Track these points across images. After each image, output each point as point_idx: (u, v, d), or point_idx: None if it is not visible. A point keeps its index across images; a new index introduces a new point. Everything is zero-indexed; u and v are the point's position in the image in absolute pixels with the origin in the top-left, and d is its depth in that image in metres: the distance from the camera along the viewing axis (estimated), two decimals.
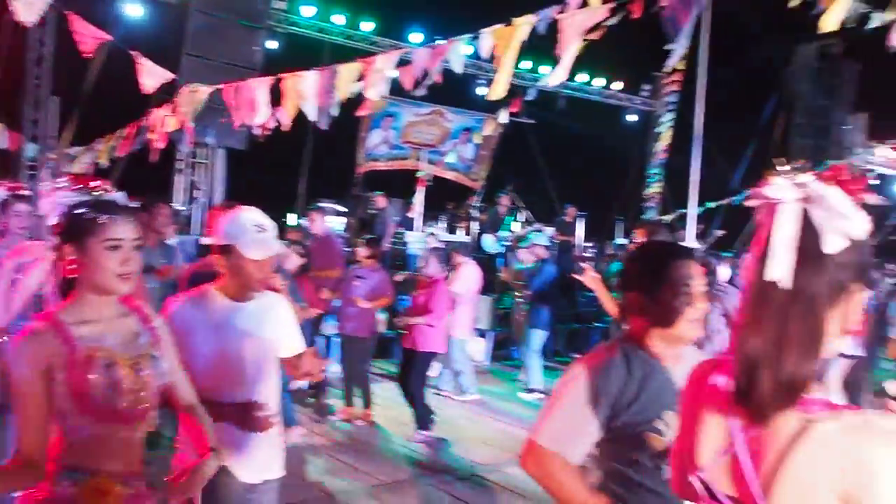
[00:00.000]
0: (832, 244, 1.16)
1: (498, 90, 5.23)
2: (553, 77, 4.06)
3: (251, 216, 2.60)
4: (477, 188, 15.26)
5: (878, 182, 19.78)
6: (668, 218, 13.41)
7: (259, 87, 6.69)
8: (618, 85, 16.99)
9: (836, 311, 1.21)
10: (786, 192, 1.20)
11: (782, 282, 1.17)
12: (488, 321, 10.19)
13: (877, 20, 5.54)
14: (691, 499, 1.34)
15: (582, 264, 5.28)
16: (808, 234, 1.17)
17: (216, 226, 2.68)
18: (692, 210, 6.55)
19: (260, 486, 2.68)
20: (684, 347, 2.06)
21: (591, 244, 14.20)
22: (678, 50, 5.38)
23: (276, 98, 6.59)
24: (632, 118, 17.62)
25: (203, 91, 7.21)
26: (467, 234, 13.18)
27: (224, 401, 2.51)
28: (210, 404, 2.33)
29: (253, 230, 2.56)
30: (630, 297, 2.05)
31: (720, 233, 13.55)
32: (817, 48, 19.42)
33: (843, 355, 5.90)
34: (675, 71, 7.60)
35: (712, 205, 13.24)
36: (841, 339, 1.25)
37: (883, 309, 6.59)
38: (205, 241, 6.71)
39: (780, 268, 1.17)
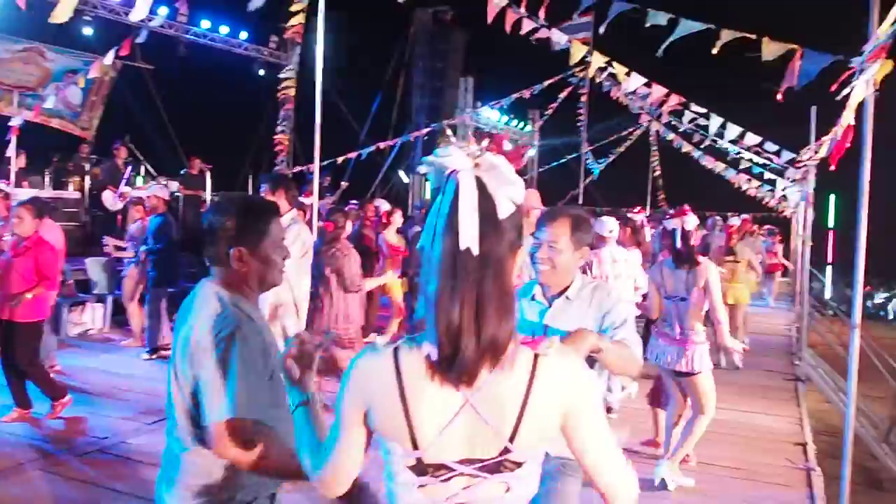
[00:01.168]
0: (505, 209, 1.25)
1: (61, 13, 4.63)
2: (134, 13, 3.72)
3: None
4: (88, 137, 13.77)
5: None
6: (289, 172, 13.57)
7: None
8: (244, 34, 16.55)
9: (512, 265, 1.31)
10: (462, 161, 1.24)
11: (473, 249, 1.22)
12: (106, 284, 9.34)
13: None
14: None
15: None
16: (486, 201, 1.24)
17: None
18: (317, 164, 6.64)
19: None
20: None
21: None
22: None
23: None
24: (261, 69, 17.36)
25: None
26: (79, 189, 11.85)
27: None
28: None
29: None
30: (235, 252, 2.04)
31: (345, 184, 14.13)
32: (432, 14, 21.12)
33: None
34: (295, 24, 7.58)
35: (340, 160, 13.71)
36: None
37: None
38: None
39: (468, 235, 1.21)
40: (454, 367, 1.24)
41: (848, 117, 3.55)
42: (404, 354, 1.31)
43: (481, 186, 1.24)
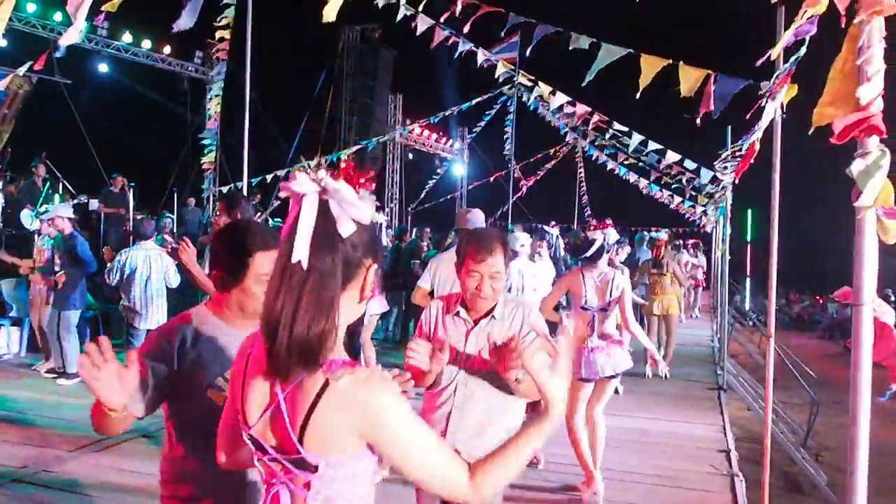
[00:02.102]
0: (345, 228, 1.38)
1: None
2: (65, 38, 3.59)
3: None
4: None
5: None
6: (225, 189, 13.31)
7: None
8: (168, 49, 16.22)
9: (355, 282, 1.46)
10: (307, 186, 1.37)
11: (302, 261, 1.35)
12: (21, 307, 8.96)
13: (403, 11, 6.20)
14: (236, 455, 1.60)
15: (168, 239, 4.91)
16: (325, 221, 1.37)
17: None
18: (245, 181, 6.56)
19: None
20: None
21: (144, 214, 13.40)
22: (184, 21, 5.33)
23: None
24: (185, 85, 17.03)
25: None
26: None
27: None
28: None
29: None
30: (215, 273, 2.19)
31: (276, 202, 13.94)
32: (360, 31, 21.13)
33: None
34: (222, 39, 7.47)
35: (269, 177, 13.51)
36: (365, 303, 1.52)
37: None
38: None
39: (301, 250, 1.35)
40: (270, 359, 1.39)
41: (756, 135, 3.73)
42: (258, 341, 1.46)
43: (324, 208, 1.38)
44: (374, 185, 1.45)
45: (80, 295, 7.78)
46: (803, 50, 2.80)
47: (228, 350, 2.12)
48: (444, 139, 26.24)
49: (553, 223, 9.92)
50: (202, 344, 2.13)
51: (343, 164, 1.42)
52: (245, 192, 6.56)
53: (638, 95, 4.18)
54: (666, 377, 9.33)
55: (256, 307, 2.06)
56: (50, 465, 5.22)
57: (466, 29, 5.90)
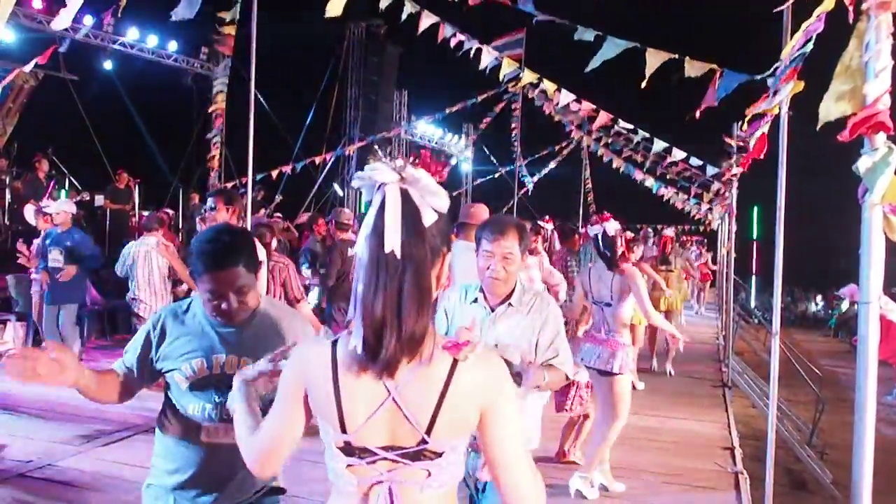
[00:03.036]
0: (428, 217, 1.38)
1: None
2: (57, 21, 3.61)
3: None
4: (0, 144, 13.28)
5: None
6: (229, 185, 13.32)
7: None
8: (174, 45, 16.23)
9: (435, 272, 1.44)
10: (388, 175, 1.37)
11: (396, 252, 1.35)
12: (27, 302, 8.98)
13: (409, 8, 6.19)
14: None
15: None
16: (409, 210, 1.37)
17: None
18: (251, 177, 6.55)
19: None
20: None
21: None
22: (182, 10, 5.32)
23: None
24: (191, 81, 17.05)
25: None
26: None
27: None
28: None
29: None
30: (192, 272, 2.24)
31: (279, 198, 13.98)
32: (365, 28, 21.10)
33: None
34: (227, 35, 7.46)
35: (274, 173, 13.53)
36: (441, 290, 1.57)
37: None
38: None
39: (393, 239, 1.34)
40: (377, 358, 1.37)
41: (763, 129, 3.72)
42: (341, 347, 1.45)
43: (406, 197, 1.38)
44: (446, 175, 1.47)
45: (79, 290, 7.76)
46: (810, 46, 2.79)
47: (198, 339, 2.25)
48: (449, 136, 26.22)
49: (546, 217, 9.93)
50: (177, 330, 2.26)
51: (420, 154, 1.44)
52: (249, 188, 6.55)
53: (643, 85, 4.17)
54: (670, 374, 9.34)
55: (210, 313, 2.20)
56: (56, 459, 5.24)
57: (468, 22, 5.90)
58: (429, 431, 1.40)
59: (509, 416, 1.46)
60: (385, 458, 1.44)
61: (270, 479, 2.30)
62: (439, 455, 1.43)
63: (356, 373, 1.41)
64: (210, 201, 4.77)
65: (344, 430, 1.44)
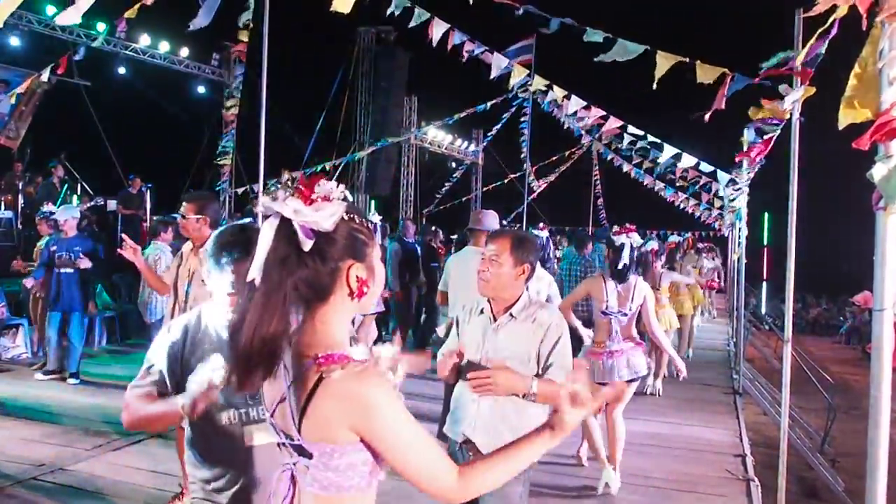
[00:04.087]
0: (305, 243, 1.45)
1: None
2: (63, 17, 3.63)
3: None
4: (13, 147, 13.40)
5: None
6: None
7: None
8: (185, 51, 16.34)
9: (339, 285, 1.51)
10: (269, 207, 1.47)
11: (256, 279, 1.45)
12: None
13: (419, 17, 6.21)
14: None
15: (123, 236, 4.76)
16: (286, 239, 1.45)
17: None
18: (261, 182, 6.58)
19: None
20: None
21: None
22: (200, 20, 5.36)
23: None
24: (202, 87, 17.16)
25: None
26: (10, 208, 11.47)
27: None
28: None
29: None
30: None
31: None
32: (375, 33, 21.16)
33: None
34: (239, 41, 7.52)
35: (284, 178, 13.56)
36: (366, 300, 1.56)
37: None
38: None
39: (254, 270, 1.46)
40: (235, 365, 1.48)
41: (774, 131, 3.71)
42: None
43: (286, 226, 1.45)
44: (324, 188, 1.48)
45: (83, 296, 7.78)
46: (822, 50, 2.78)
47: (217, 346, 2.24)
48: (458, 141, 26.24)
49: (541, 225, 9.99)
50: (205, 337, 2.28)
51: (297, 182, 1.48)
52: (261, 193, 6.57)
53: (654, 86, 4.16)
54: (682, 379, 9.26)
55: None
56: (67, 463, 5.26)
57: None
58: (299, 429, 1.48)
59: (386, 437, 1.48)
60: (285, 445, 1.54)
61: None
62: (311, 456, 1.49)
63: None
64: (182, 207, 4.46)
65: (272, 414, 1.58)
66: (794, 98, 3.09)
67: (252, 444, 2.24)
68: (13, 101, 10.12)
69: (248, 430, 2.24)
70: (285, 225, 1.46)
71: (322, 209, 1.46)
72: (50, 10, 13.57)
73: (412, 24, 6.22)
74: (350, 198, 1.54)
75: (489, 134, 21.51)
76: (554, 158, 21.76)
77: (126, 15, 6.55)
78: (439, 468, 1.50)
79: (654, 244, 5.23)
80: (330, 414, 1.45)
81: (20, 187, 11.87)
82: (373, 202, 21.64)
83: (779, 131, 3.62)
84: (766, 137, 3.69)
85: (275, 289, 1.45)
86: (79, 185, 13.40)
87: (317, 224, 1.46)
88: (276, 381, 1.53)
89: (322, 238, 1.47)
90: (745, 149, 5.11)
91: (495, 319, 2.93)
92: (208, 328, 2.31)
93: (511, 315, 2.90)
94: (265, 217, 1.49)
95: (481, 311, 2.99)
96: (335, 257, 1.51)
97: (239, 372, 1.48)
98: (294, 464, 1.53)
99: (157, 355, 2.31)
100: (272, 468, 2.21)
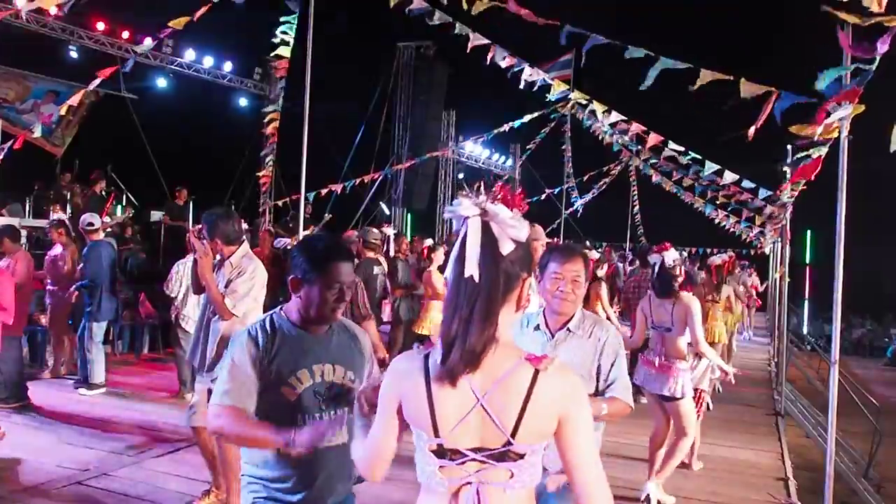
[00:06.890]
0: (506, 247, 1.56)
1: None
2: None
3: None
4: (58, 154, 13.78)
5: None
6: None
7: None
8: (228, 65, 16.67)
9: (513, 294, 1.62)
10: (471, 209, 1.56)
11: (474, 276, 1.54)
12: (77, 315, 9.22)
13: (461, 29, 6.24)
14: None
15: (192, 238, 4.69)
16: (489, 241, 1.56)
17: None
18: (303, 195, 6.68)
19: None
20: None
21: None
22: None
23: None
24: (245, 101, 17.47)
25: None
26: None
27: None
28: None
29: None
30: (291, 279, 2.35)
31: (328, 216, 14.14)
32: (415, 48, 21.34)
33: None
34: (280, 57, 7.64)
35: (323, 191, 13.70)
36: (521, 312, 1.68)
37: None
38: None
39: (472, 266, 1.54)
40: (446, 369, 1.55)
41: (821, 151, 3.65)
42: (432, 359, 1.62)
43: (486, 229, 1.56)
44: (527, 206, 1.62)
45: (100, 306, 7.82)
46: (873, 67, 2.74)
47: (298, 350, 2.34)
48: (496, 155, 26.25)
49: (554, 239, 9.95)
50: (279, 345, 2.32)
51: (500, 189, 1.58)
52: (302, 206, 6.66)
53: (693, 88, 4.13)
54: (718, 391, 9.05)
55: (324, 312, 2.33)
56: (111, 469, 5.36)
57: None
58: (513, 434, 1.54)
59: (583, 423, 1.60)
60: (474, 459, 1.59)
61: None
62: (522, 457, 1.57)
63: (446, 382, 1.57)
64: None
65: (437, 434, 1.59)
66: (841, 115, 3.05)
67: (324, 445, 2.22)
68: (63, 111, 10.39)
69: None
70: (486, 227, 1.56)
71: (520, 220, 1.59)
72: (100, 25, 14.00)
73: (455, 31, 6.20)
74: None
75: (527, 148, 21.49)
76: (593, 173, 21.62)
77: (171, 24, 6.71)
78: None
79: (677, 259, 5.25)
80: (550, 408, 1.56)
81: (69, 197, 12.18)
82: (409, 216, 21.74)
83: (826, 149, 3.56)
84: (816, 156, 3.63)
85: (494, 287, 1.56)
86: (123, 196, 13.69)
87: (515, 233, 1.57)
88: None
89: (518, 247, 1.59)
90: (786, 167, 5.03)
91: (552, 335, 2.94)
92: (284, 328, 2.36)
93: (568, 330, 2.93)
94: (458, 217, 1.58)
95: (536, 327, 2.99)
96: (521, 267, 1.62)
97: (464, 364, 1.54)
98: (485, 476, 1.58)
99: (239, 361, 2.30)
100: (343, 470, 2.32)
